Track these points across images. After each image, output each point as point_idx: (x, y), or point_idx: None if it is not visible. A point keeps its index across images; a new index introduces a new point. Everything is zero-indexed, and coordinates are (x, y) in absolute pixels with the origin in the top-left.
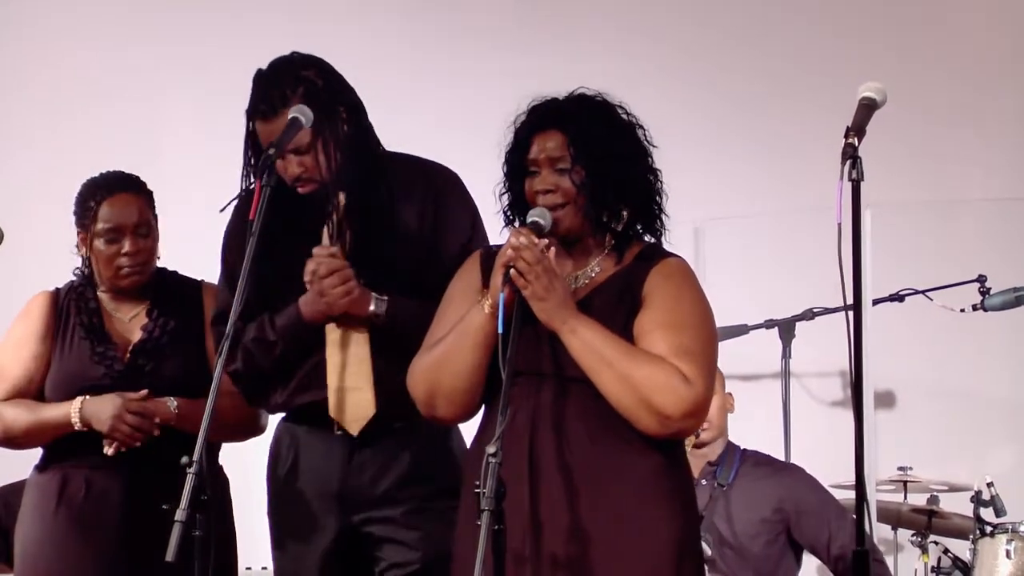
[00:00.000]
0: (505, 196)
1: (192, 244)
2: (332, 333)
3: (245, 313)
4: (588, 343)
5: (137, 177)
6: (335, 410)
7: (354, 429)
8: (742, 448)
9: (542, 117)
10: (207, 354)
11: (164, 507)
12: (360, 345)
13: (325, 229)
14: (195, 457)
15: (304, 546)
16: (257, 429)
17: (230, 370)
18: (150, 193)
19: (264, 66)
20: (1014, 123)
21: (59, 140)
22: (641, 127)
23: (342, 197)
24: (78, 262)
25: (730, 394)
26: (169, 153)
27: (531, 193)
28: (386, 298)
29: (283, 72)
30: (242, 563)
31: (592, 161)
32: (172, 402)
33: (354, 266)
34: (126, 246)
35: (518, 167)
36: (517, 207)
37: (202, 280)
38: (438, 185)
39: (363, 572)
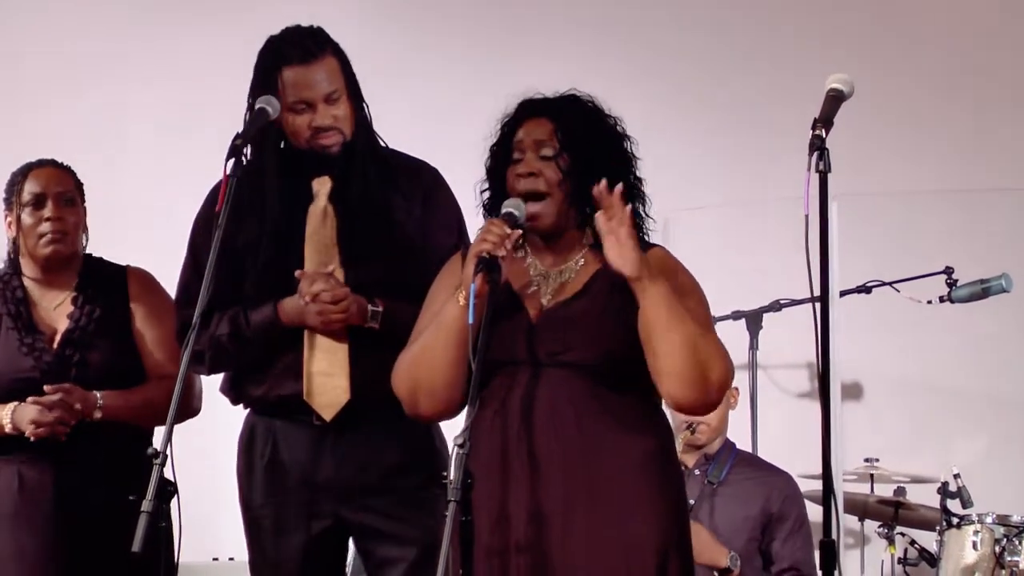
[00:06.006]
0: (486, 192)
1: (155, 234)
2: None
3: (213, 299)
4: (665, 297)
5: (68, 165)
6: (308, 395)
7: (328, 414)
8: (737, 448)
9: (532, 107)
10: (135, 339)
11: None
12: (337, 332)
13: (309, 215)
14: (160, 448)
15: (286, 538)
16: (190, 413)
17: (195, 362)
18: (77, 176)
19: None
20: (980, 116)
21: (23, 134)
22: (628, 138)
23: (327, 182)
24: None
25: (736, 389)
26: (132, 147)
27: (512, 178)
28: (380, 308)
29: (312, 29)
30: (210, 554)
31: (579, 151)
32: (99, 401)
33: (340, 255)
34: (48, 211)
35: (502, 155)
36: (498, 198)
37: (127, 265)
38: (426, 182)
39: (343, 563)
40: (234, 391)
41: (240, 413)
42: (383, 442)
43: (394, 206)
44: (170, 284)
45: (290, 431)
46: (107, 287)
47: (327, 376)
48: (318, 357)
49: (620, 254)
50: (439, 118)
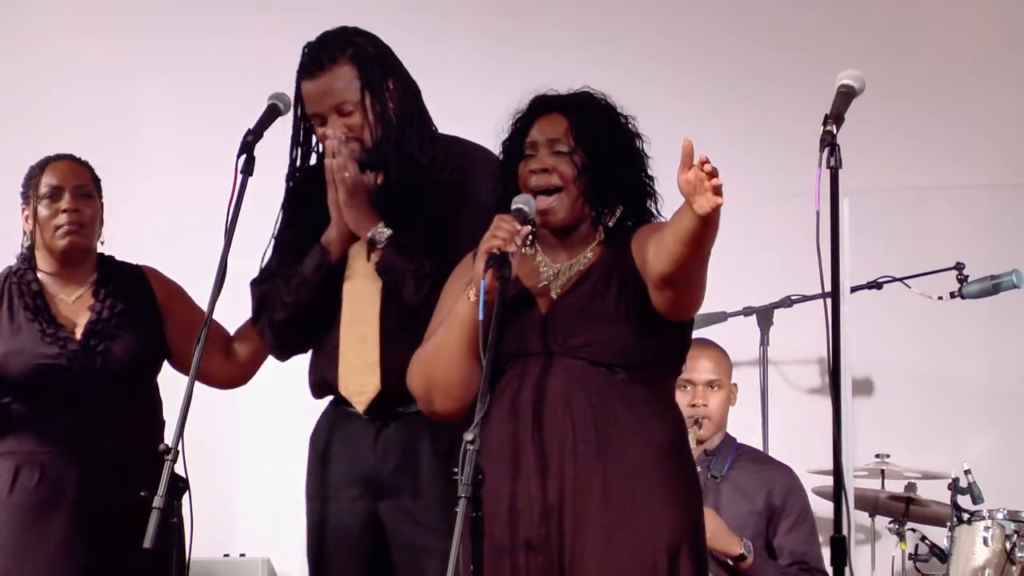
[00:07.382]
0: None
1: (166, 230)
2: (348, 305)
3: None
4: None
5: (86, 160)
6: (343, 385)
7: (359, 405)
8: (738, 442)
9: (545, 103)
10: (172, 330)
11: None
12: (371, 322)
13: None
14: (171, 444)
15: (333, 531)
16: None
17: (259, 327)
18: (95, 171)
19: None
20: (992, 110)
21: (32, 129)
22: (640, 137)
23: (372, 176)
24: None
25: (735, 385)
26: (144, 143)
27: (524, 175)
28: (391, 231)
29: (334, 34)
30: (220, 550)
31: (594, 148)
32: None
33: None
34: (65, 202)
35: (514, 152)
36: (509, 194)
37: (143, 265)
38: (469, 159)
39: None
40: (309, 383)
41: (249, 411)
42: (424, 442)
43: (433, 189)
44: (186, 280)
45: (344, 423)
46: (127, 284)
47: (360, 367)
48: (351, 348)
49: (688, 187)
50: (449, 116)
